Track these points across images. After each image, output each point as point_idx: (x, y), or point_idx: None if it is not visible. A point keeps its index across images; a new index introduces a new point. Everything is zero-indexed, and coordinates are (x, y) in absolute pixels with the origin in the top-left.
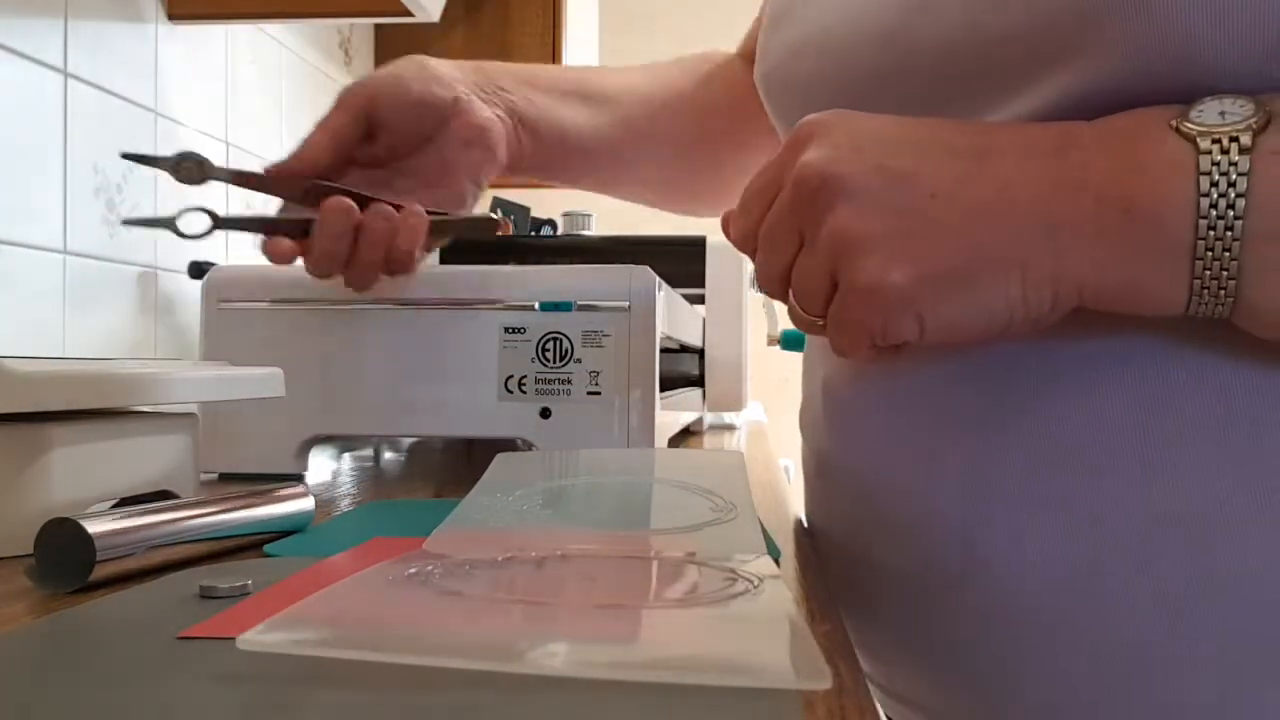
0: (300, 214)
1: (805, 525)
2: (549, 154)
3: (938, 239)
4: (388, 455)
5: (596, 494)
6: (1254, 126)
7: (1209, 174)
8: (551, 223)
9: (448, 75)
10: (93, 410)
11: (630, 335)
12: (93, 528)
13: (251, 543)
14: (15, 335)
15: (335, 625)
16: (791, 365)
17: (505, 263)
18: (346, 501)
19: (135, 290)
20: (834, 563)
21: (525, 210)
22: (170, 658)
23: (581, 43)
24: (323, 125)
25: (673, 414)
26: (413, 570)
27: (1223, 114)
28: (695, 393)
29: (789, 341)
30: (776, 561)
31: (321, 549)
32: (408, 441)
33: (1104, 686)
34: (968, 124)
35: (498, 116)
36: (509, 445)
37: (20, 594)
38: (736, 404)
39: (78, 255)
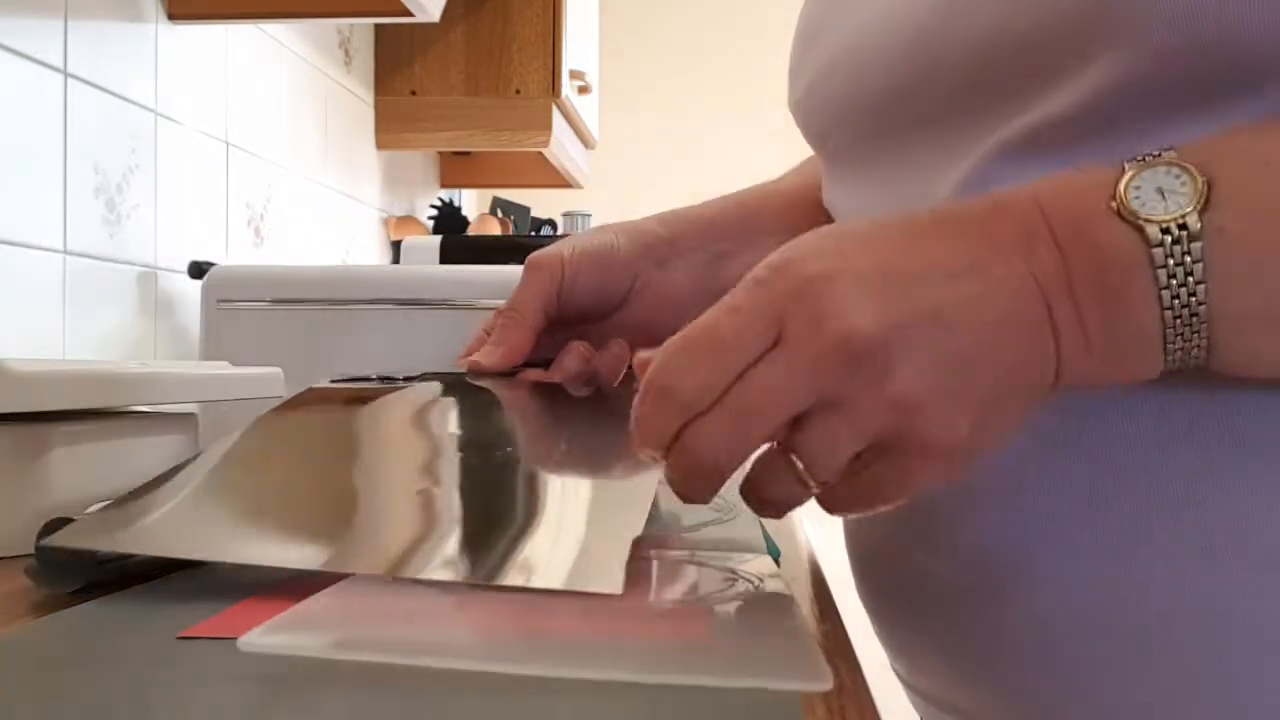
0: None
1: (844, 534)
2: None
3: (983, 376)
4: None
5: None
6: (1199, 205)
7: (1165, 267)
8: (551, 223)
9: (625, 250)
10: (93, 410)
11: None
12: None
13: None
14: (15, 335)
15: (336, 626)
16: None
17: (505, 263)
18: None
19: (135, 290)
20: (872, 570)
21: (525, 210)
22: (170, 658)
23: (582, 43)
24: (520, 312)
25: None
26: None
27: (1161, 192)
28: None
29: None
30: (776, 561)
31: None
32: None
33: (1154, 697)
34: (938, 229)
35: (680, 279)
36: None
37: (21, 594)
38: None
39: (78, 255)
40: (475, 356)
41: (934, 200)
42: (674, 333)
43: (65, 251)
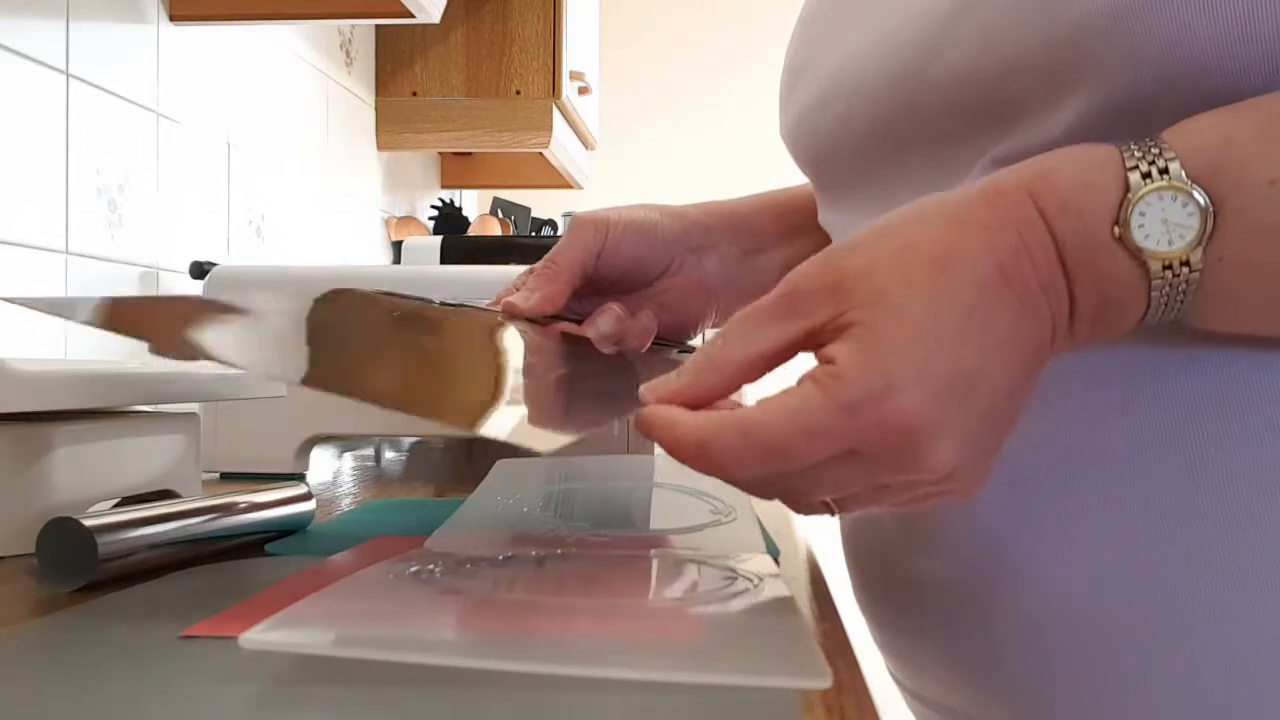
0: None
1: (841, 541)
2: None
3: (1007, 429)
4: (388, 455)
5: (597, 497)
6: (1203, 240)
7: (1160, 293)
8: (551, 223)
9: (667, 230)
10: (94, 410)
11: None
12: (95, 527)
13: (253, 542)
14: (15, 335)
15: (337, 624)
16: (792, 365)
17: (505, 263)
18: (347, 501)
19: (137, 291)
20: (870, 575)
21: (525, 210)
22: (172, 656)
23: (582, 43)
24: (558, 264)
25: None
26: (414, 568)
27: (1167, 224)
28: None
29: None
30: (776, 561)
31: (322, 548)
32: (408, 441)
33: (1151, 697)
34: (986, 296)
35: (711, 269)
36: (510, 445)
37: (23, 593)
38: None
39: (79, 255)
40: (511, 299)
41: None
42: (699, 319)
43: (67, 252)
